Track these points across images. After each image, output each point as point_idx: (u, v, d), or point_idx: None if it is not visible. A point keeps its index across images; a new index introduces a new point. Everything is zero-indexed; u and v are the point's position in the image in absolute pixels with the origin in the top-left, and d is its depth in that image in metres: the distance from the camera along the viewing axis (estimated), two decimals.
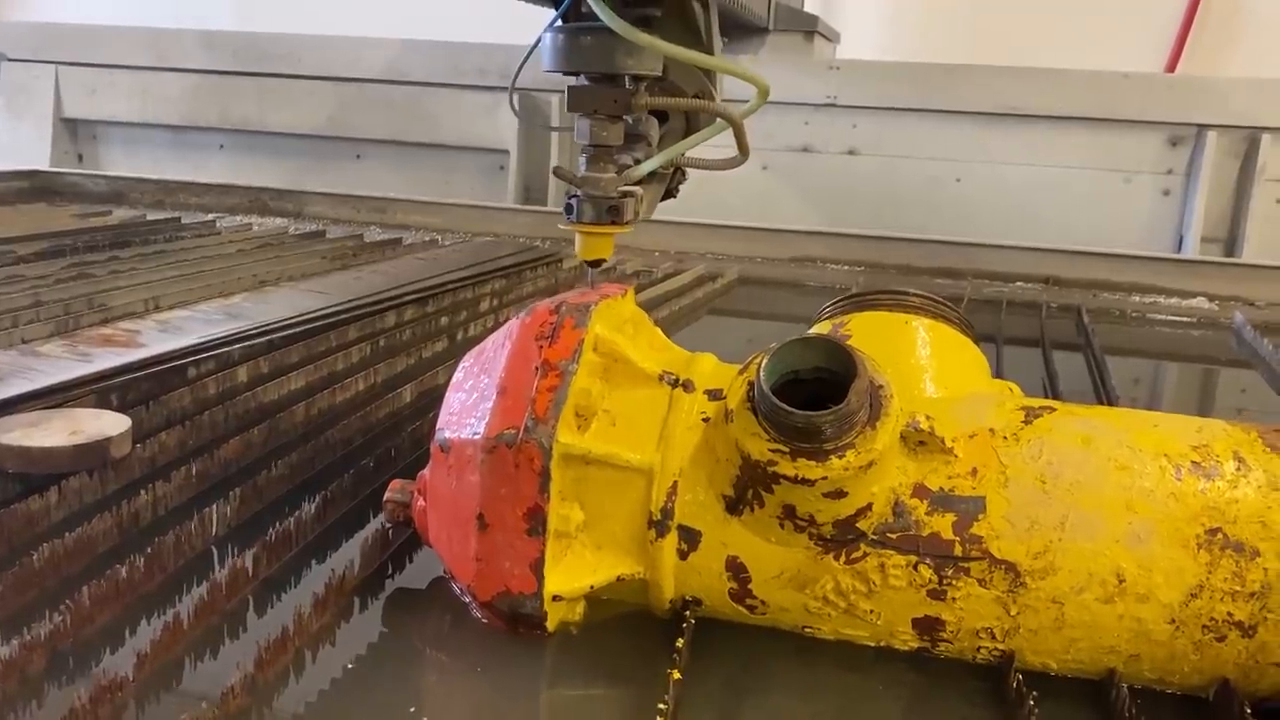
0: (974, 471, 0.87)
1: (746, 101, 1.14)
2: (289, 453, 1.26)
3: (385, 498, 1.04)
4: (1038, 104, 3.20)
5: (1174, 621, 0.83)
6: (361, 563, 1.01)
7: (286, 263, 2.53)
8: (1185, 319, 2.72)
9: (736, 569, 0.91)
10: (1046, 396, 1.95)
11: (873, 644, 0.92)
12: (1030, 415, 0.91)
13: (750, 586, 0.91)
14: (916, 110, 3.31)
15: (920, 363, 0.96)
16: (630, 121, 1.18)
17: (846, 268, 3.03)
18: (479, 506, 0.89)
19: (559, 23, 1.15)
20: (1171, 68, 3.87)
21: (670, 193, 1.43)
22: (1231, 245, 3.14)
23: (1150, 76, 3.45)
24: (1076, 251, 2.91)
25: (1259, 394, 2.13)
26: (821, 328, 1.03)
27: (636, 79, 1.15)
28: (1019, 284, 2.91)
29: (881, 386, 0.87)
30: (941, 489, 0.87)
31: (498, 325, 2.06)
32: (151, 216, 3.27)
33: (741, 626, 0.95)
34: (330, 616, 0.94)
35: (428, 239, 3.18)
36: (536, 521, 0.88)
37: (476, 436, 0.90)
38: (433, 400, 1.57)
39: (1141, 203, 3.19)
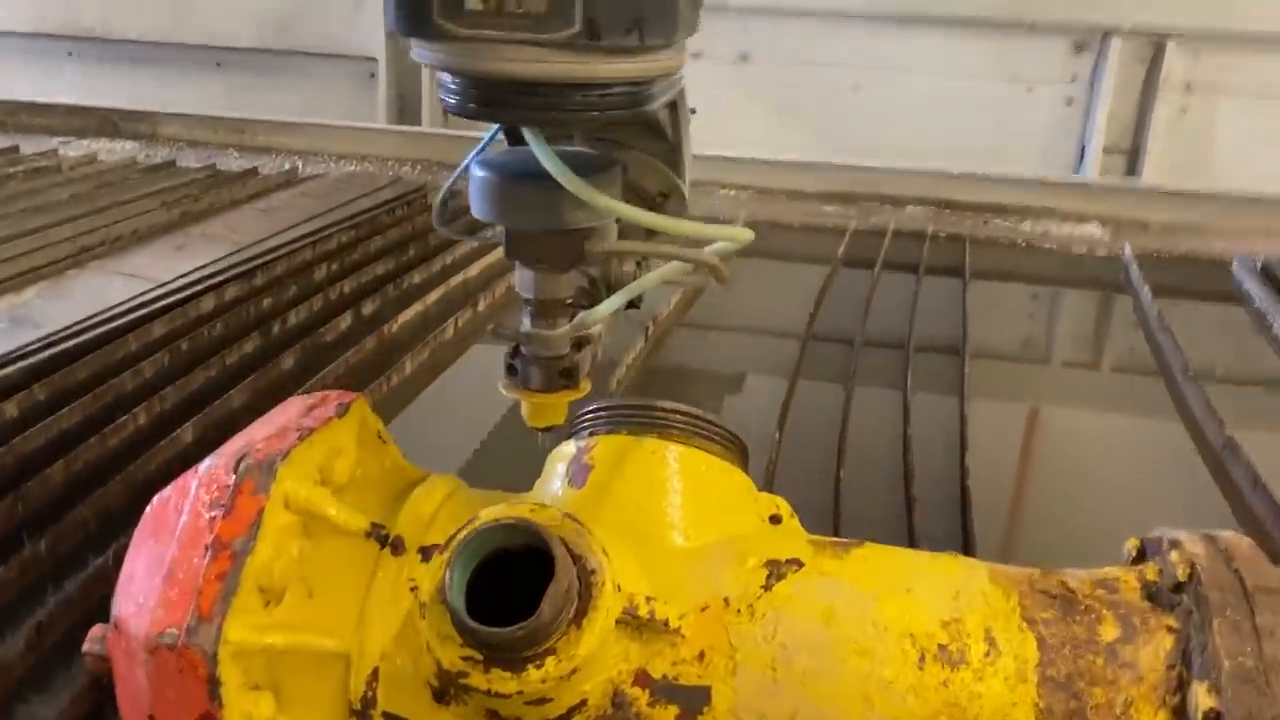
0: (701, 656, 0.78)
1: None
2: (25, 543, 1.14)
3: (84, 647, 0.92)
4: (940, 7, 3.00)
5: None
6: None
7: (119, 215, 2.33)
8: (1075, 249, 2.63)
9: None
10: (909, 334, 1.90)
11: None
12: (772, 578, 0.81)
13: None
14: (812, 14, 3.09)
15: (668, 504, 0.85)
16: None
17: (733, 192, 2.88)
18: (149, 708, 0.79)
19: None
20: None
21: (633, 304, 1.03)
22: (1134, 156, 3.02)
23: None
24: (969, 176, 2.77)
25: (1124, 334, 2.11)
26: (565, 450, 0.91)
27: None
28: (909, 208, 2.79)
29: (594, 571, 0.76)
30: (665, 677, 0.78)
31: (328, 305, 1.93)
32: None
33: None
34: None
35: (287, 167, 2.97)
36: None
37: (140, 631, 0.78)
38: (220, 439, 1.45)
39: (1044, 114, 3.04)
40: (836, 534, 1.31)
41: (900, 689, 0.76)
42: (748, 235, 0.89)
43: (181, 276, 1.93)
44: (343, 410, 0.90)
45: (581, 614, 0.75)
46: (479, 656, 0.74)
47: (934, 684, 0.76)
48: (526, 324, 0.88)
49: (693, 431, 0.90)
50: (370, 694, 0.80)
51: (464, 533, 0.78)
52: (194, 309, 1.81)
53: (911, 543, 1.33)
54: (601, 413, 0.93)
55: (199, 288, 1.88)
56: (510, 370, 0.91)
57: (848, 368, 1.82)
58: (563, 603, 0.73)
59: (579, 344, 0.92)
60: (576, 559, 0.76)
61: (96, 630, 0.92)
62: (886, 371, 1.83)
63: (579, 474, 0.88)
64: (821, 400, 1.72)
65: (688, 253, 0.93)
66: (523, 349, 0.89)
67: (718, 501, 0.88)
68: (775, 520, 0.91)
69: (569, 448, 0.91)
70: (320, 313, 1.87)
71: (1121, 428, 1.85)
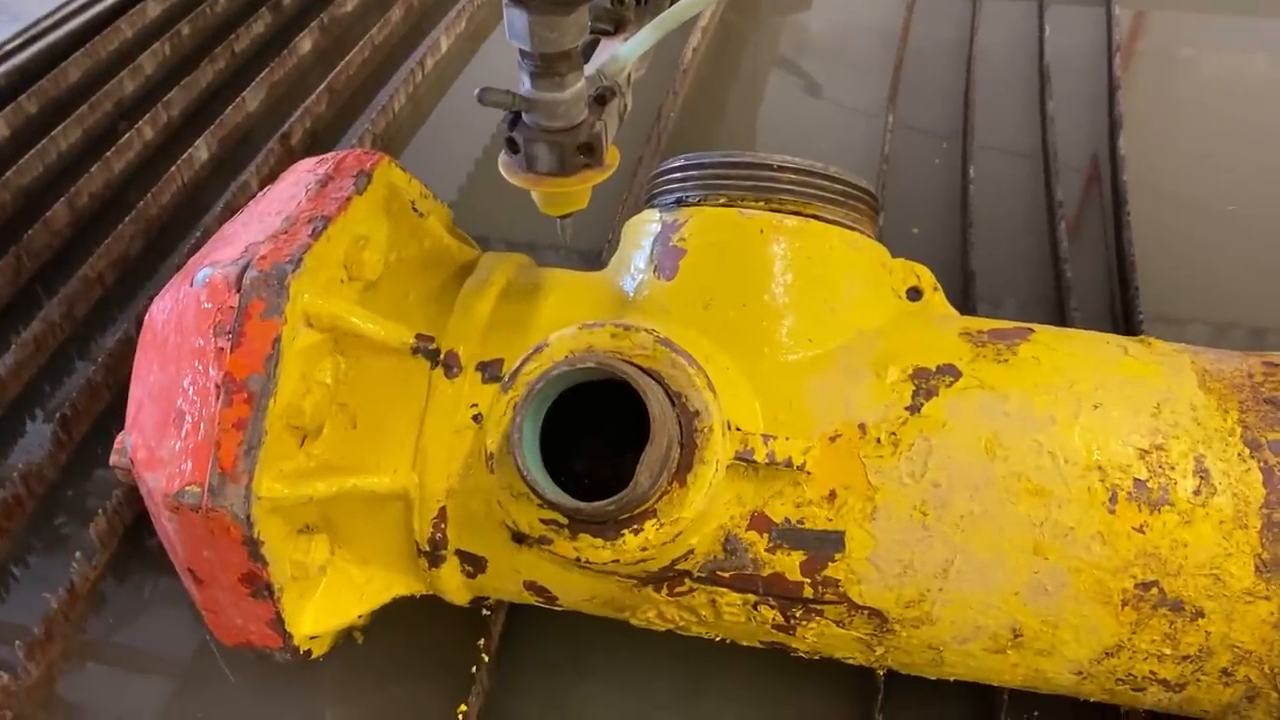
0: (831, 496, 0.64)
1: None
2: (40, 308, 1.01)
3: (111, 460, 0.81)
4: None
5: (1081, 674, 0.65)
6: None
7: None
8: None
9: (538, 590, 0.71)
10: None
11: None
12: (919, 395, 0.65)
13: (559, 603, 0.72)
14: None
15: (776, 302, 0.67)
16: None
17: None
18: (184, 561, 0.68)
19: None
20: None
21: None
22: None
23: None
24: None
25: None
26: (647, 221, 0.72)
27: None
28: None
29: (698, 414, 0.60)
30: (788, 520, 0.64)
31: None
32: None
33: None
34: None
35: None
36: (257, 586, 0.67)
37: (157, 485, 0.66)
38: (237, 159, 1.26)
39: None
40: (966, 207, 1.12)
41: (1083, 537, 0.61)
42: None
43: None
44: (364, 182, 0.71)
45: (686, 468, 0.60)
46: (563, 521, 0.61)
47: (1126, 530, 0.61)
48: (526, 85, 0.61)
49: (810, 194, 0.70)
50: (439, 535, 0.69)
51: (531, 369, 0.62)
52: None
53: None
54: (692, 172, 0.72)
55: None
56: (510, 146, 0.65)
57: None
58: (661, 465, 0.58)
59: (601, 100, 0.65)
60: (676, 399, 0.60)
61: (120, 441, 0.80)
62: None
63: (667, 259, 0.69)
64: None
65: None
66: (525, 117, 0.63)
67: (845, 287, 0.69)
68: (914, 295, 0.73)
69: (652, 219, 0.72)
70: None
71: None
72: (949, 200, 1.17)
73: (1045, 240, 1.11)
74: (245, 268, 0.65)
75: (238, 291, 0.65)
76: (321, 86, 1.32)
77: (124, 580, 0.84)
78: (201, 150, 1.23)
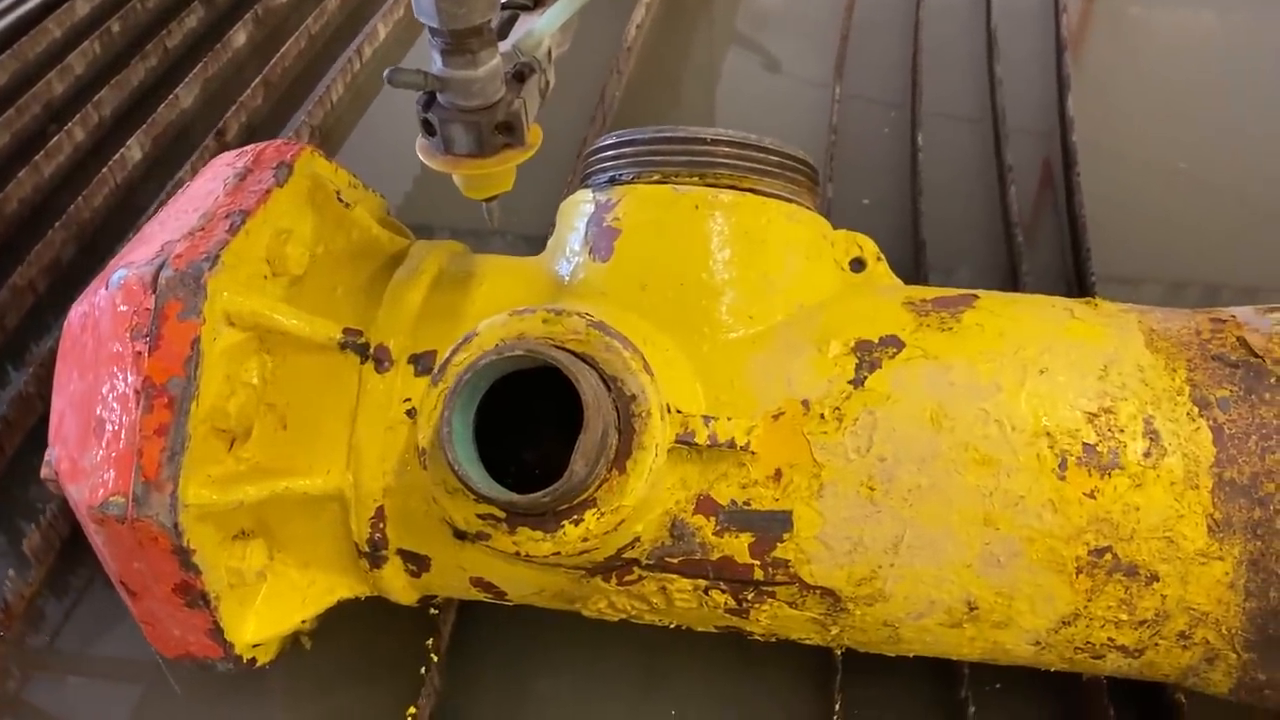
0: (777, 475, 0.62)
1: None
2: None
3: (42, 473, 0.79)
4: None
5: (1040, 644, 0.64)
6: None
7: None
8: None
9: (486, 586, 0.69)
10: None
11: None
12: (863, 368, 0.63)
13: (508, 598, 0.71)
14: None
15: (715, 279, 0.65)
16: None
17: None
18: (116, 574, 0.66)
19: None
20: None
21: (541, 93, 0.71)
22: None
23: None
24: None
25: None
26: (580, 202, 0.70)
27: None
28: None
29: (634, 398, 0.59)
30: (734, 502, 0.62)
31: None
32: None
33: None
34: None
35: None
36: (192, 595, 0.65)
37: (80, 497, 0.63)
38: (174, 157, 1.23)
39: None
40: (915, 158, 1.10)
41: (1034, 505, 0.60)
42: None
43: None
44: (285, 174, 0.68)
45: (625, 454, 0.58)
46: (500, 515, 0.59)
47: (1077, 496, 0.59)
48: (438, 64, 0.58)
49: (746, 167, 0.68)
50: (378, 535, 0.67)
51: (460, 360, 0.60)
52: None
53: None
54: (625, 149, 0.70)
55: None
56: (426, 128, 0.62)
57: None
58: (598, 452, 0.56)
59: (520, 76, 0.62)
60: (611, 383, 0.58)
61: (50, 454, 0.77)
62: None
63: (602, 240, 0.67)
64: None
65: None
66: (439, 97, 0.60)
67: (785, 261, 0.67)
68: (857, 266, 0.71)
69: (585, 200, 0.70)
70: None
71: None
72: (899, 169, 1.16)
73: (997, 206, 1.10)
74: (160, 268, 0.63)
75: (153, 293, 0.62)
76: (257, 80, 1.29)
77: (62, 595, 0.82)
78: (134, 150, 1.19)
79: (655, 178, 0.68)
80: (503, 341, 0.59)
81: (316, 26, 1.41)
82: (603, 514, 0.58)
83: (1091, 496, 0.59)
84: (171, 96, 1.26)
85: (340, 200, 0.71)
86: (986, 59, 1.30)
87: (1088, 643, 0.63)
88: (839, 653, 0.73)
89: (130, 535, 0.62)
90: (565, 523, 0.58)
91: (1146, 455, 0.59)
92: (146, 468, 0.61)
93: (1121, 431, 0.60)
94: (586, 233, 0.68)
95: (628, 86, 1.31)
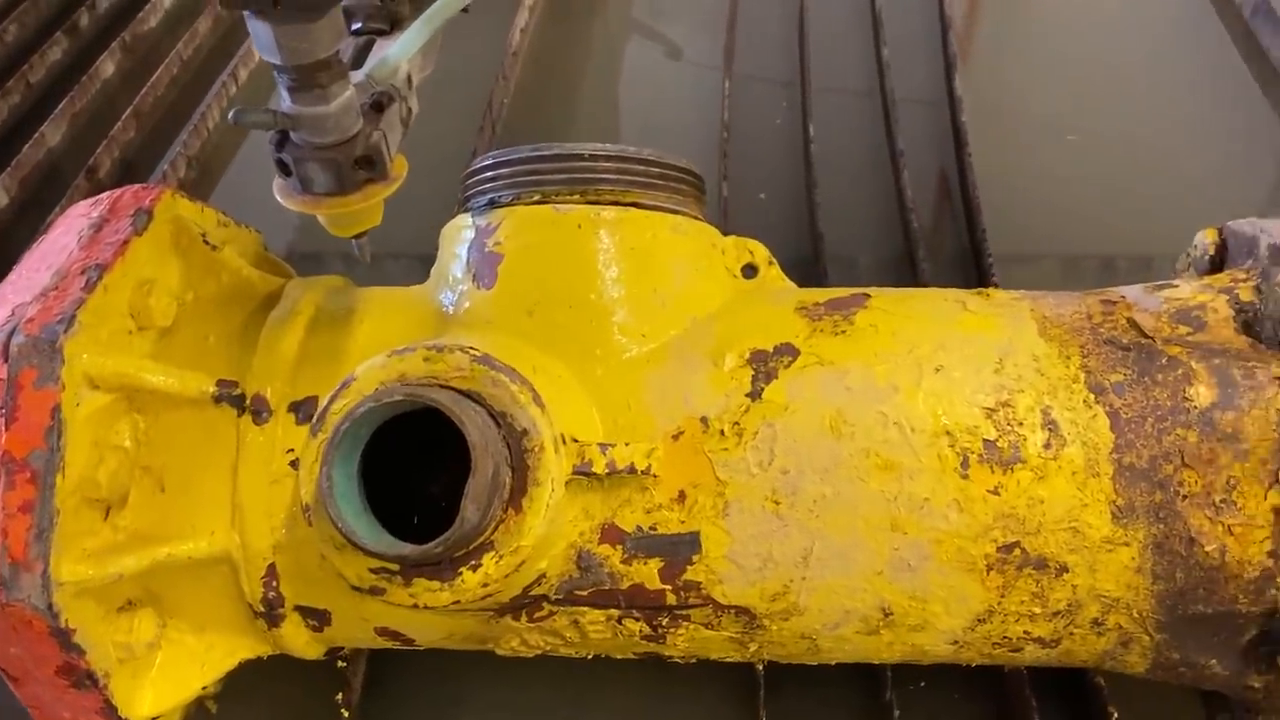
0: (681, 497, 0.60)
1: None
2: None
3: None
4: None
5: (957, 643, 0.63)
6: None
7: None
8: None
9: (392, 634, 0.67)
10: None
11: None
12: (759, 379, 0.62)
13: (418, 644, 0.68)
14: None
15: (604, 299, 0.63)
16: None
17: None
18: None
19: None
20: None
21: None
22: None
23: None
24: None
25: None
26: (461, 228, 0.67)
27: None
28: None
29: (526, 432, 0.56)
30: (639, 528, 0.61)
31: None
32: None
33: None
34: None
35: None
36: (78, 676, 0.61)
37: None
38: (43, 203, 1.17)
39: None
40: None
41: (939, 506, 0.59)
42: None
43: None
44: (144, 221, 0.65)
45: (520, 491, 0.56)
46: (393, 568, 0.56)
47: (981, 494, 0.59)
48: (286, 101, 0.55)
49: (628, 181, 0.66)
50: (272, 594, 0.64)
51: (338, 408, 0.57)
52: None
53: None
54: (502, 170, 0.67)
55: None
56: (281, 169, 0.58)
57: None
58: (490, 493, 0.54)
59: (378, 107, 0.59)
60: (500, 419, 0.56)
61: None
62: None
63: (485, 267, 0.65)
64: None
65: None
66: (292, 135, 0.57)
67: (675, 274, 0.66)
68: (750, 272, 0.70)
69: (465, 225, 0.67)
70: None
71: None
72: (793, 162, 1.15)
73: (891, 191, 1.10)
74: (11, 334, 0.59)
75: (5, 361, 0.58)
76: (128, 111, 1.23)
77: None
78: (0, 195, 1.13)
79: (535, 198, 0.65)
80: (382, 385, 0.57)
81: (189, 51, 1.36)
82: (501, 557, 0.56)
83: (995, 493, 0.59)
84: (38, 135, 1.20)
85: (207, 243, 0.68)
86: (874, 41, 1.30)
87: (1004, 637, 0.62)
88: (760, 667, 0.72)
89: (3, 620, 0.58)
90: (463, 569, 0.56)
91: (1047, 447, 0.59)
92: (13, 548, 0.57)
93: (1020, 424, 0.59)
94: (468, 259, 0.65)
95: (516, 92, 1.28)
